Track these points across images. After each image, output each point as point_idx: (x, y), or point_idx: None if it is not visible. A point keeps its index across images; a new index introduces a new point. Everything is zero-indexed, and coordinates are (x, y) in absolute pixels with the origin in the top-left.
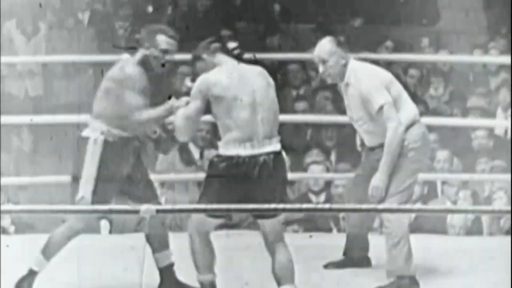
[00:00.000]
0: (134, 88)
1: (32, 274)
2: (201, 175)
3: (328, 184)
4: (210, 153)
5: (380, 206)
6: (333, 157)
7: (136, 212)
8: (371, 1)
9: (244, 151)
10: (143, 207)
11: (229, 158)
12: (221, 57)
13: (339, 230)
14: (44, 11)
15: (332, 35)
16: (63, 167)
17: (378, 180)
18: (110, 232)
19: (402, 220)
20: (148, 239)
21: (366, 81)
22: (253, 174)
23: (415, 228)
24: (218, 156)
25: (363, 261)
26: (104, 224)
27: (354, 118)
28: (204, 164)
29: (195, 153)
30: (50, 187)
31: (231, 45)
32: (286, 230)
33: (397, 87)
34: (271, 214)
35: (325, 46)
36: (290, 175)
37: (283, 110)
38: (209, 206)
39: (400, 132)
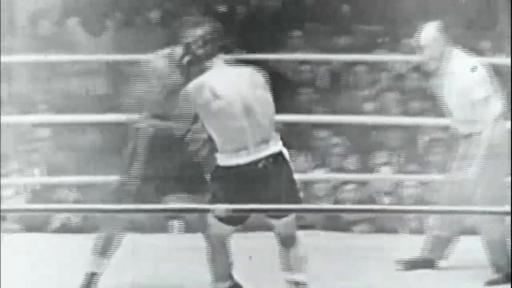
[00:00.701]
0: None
1: (92, 276)
2: None
3: (396, 185)
4: None
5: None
6: (398, 158)
7: (208, 211)
8: (436, 4)
9: (242, 159)
10: (215, 207)
11: (228, 168)
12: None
13: (405, 232)
14: (112, 10)
15: (398, 37)
16: None
17: (471, 172)
18: (182, 231)
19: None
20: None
21: (470, 71)
22: (255, 180)
23: None
24: (218, 167)
25: (434, 263)
26: (176, 223)
27: (451, 106)
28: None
29: None
30: None
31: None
32: (353, 231)
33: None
34: (282, 214)
35: (429, 31)
36: (359, 176)
37: (350, 111)
38: (268, 207)
39: (495, 126)
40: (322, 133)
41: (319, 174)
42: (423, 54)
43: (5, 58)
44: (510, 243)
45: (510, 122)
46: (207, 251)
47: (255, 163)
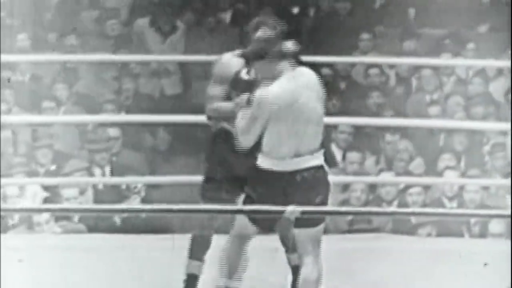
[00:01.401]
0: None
1: (192, 278)
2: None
3: (461, 189)
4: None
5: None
6: (463, 162)
7: (281, 213)
8: (495, 9)
9: (276, 166)
10: (289, 208)
11: (265, 172)
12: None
13: (471, 235)
14: (182, 10)
15: (461, 40)
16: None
17: None
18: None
19: None
20: (283, 240)
21: None
22: (288, 190)
23: None
24: (259, 169)
25: None
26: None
27: None
28: (346, 166)
29: (338, 156)
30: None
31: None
32: (419, 234)
33: None
34: (311, 223)
35: None
36: (425, 180)
37: (417, 114)
38: (343, 209)
39: None
40: (390, 137)
41: (386, 177)
42: None
43: (68, 57)
44: (511, 246)
45: (510, 122)
46: (224, 249)
47: (295, 172)
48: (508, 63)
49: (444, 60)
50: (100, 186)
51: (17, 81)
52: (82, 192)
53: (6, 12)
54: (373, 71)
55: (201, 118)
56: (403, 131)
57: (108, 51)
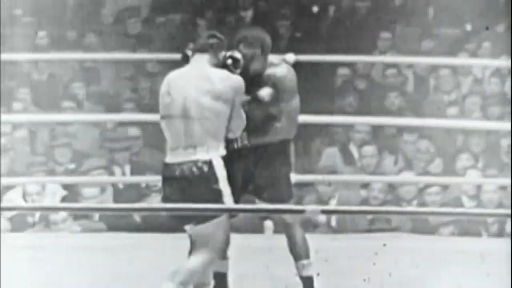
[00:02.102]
0: None
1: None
2: (361, 177)
3: (478, 189)
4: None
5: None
6: (481, 163)
7: (301, 212)
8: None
9: (170, 159)
10: (309, 208)
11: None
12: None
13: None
14: (203, 9)
15: (477, 40)
16: None
17: None
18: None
19: None
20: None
21: None
22: (179, 182)
23: None
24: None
25: None
26: (268, 224)
27: None
28: (365, 165)
29: (355, 153)
30: None
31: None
32: (441, 233)
33: None
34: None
35: None
36: (444, 179)
37: (435, 114)
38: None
39: None
40: (409, 136)
41: (407, 176)
42: None
43: (88, 56)
44: (511, 246)
45: (510, 122)
46: (290, 236)
47: (181, 164)
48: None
49: (461, 59)
50: (120, 185)
51: (35, 79)
52: (102, 191)
53: (25, 10)
54: (391, 71)
55: None
56: (421, 131)
57: (128, 49)
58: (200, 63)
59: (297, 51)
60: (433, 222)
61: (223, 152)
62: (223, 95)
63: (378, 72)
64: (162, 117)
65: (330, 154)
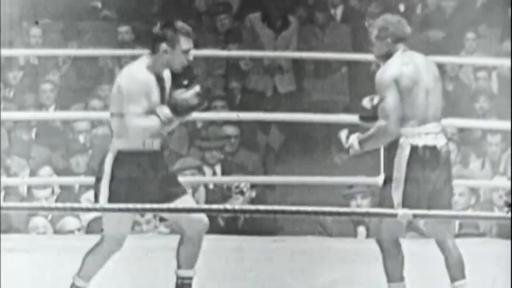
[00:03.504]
0: None
1: None
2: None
3: None
4: None
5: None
6: None
7: (393, 216)
8: None
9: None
10: (401, 212)
11: None
12: None
13: None
14: (294, 5)
15: None
16: (314, 168)
17: None
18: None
19: None
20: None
21: None
22: None
23: None
24: None
25: None
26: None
27: None
28: None
29: None
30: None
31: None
32: None
33: None
34: None
35: None
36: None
37: None
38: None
39: None
40: (493, 139)
41: (500, 181)
42: None
43: None
44: (511, 249)
45: (510, 122)
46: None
47: None
48: None
49: None
50: (211, 186)
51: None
52: (194, 191)
53: (103, 3)
54: (481, 74)
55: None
56: (504, 134)
57: (218, 46)
58: None
59: None
60: None
61: None
62: None
63: (466, 74)
64: None
65: None
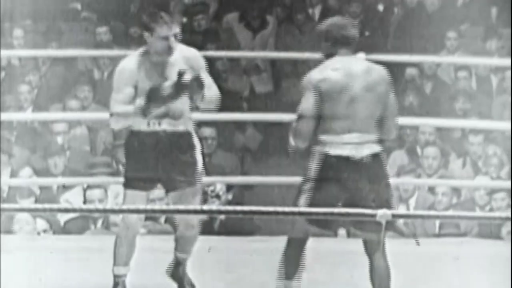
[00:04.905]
0: None
1: None
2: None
3: None
4: None
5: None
6: None
7: (372, 216)
8: None
9: None
10: (380, 212)
11: None
12: None
13: None
14: (272, 6)
15: None
16: (291, 168)
17: None
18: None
19: None
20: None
21: None
22: None
23: None
24: None
25: None
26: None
27: None
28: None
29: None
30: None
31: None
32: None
33: None
34: None
35: None
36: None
37: (501, 117)
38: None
39: None
40: (475, 139)
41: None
42: None
43: None
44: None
45: (510, 122)
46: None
47: None
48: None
49: None
50: None
51: (96, 77)
52: None
53: (85, 6)
54: (461, 74)
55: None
56: (486, 134)
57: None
58: None
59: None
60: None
61: None
62: None
63: (446, 73)
64: None
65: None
